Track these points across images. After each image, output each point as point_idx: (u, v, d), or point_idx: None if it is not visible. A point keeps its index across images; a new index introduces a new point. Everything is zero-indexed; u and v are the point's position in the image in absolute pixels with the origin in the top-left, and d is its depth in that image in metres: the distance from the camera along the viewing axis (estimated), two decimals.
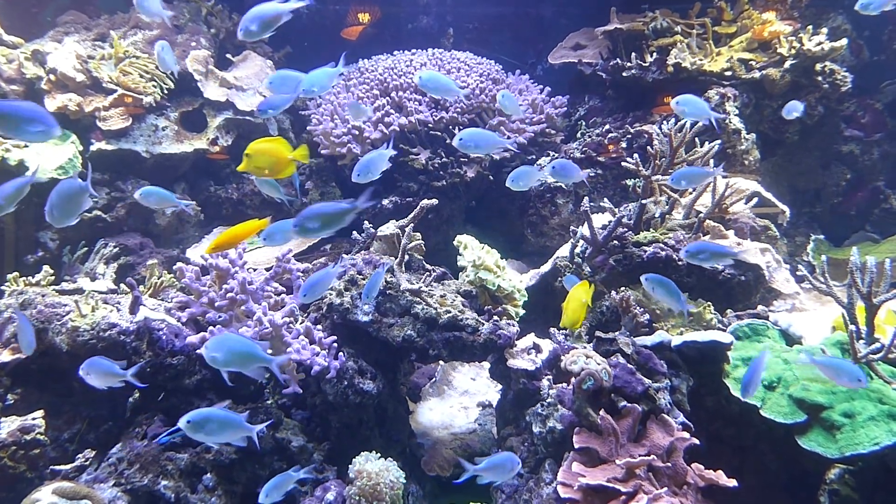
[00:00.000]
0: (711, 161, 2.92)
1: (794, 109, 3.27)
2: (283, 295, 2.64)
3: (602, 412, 2.10)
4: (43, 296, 2.44)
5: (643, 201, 2.91)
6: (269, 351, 2.42)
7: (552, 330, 2.56)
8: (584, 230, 2.86)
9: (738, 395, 2.22)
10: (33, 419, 2.28)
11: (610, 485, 1.93)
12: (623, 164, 3.03)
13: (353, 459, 2.33)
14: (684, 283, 2.71)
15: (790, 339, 2.47)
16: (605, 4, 4.25)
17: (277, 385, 2.63)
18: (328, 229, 1.99)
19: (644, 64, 3.83)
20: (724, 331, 2.47)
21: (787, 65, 3.64)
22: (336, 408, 2.52)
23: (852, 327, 2.18)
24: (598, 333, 2.51)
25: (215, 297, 2.48)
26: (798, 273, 2.55)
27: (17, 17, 3.97)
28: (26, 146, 3.34)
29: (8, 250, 3.40)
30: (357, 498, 2.24)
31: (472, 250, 2.86)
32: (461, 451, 2.75)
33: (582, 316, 2.28)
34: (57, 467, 2.28)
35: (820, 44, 3.61)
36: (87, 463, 2.30)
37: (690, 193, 2.98)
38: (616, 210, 2.99)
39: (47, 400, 2.37)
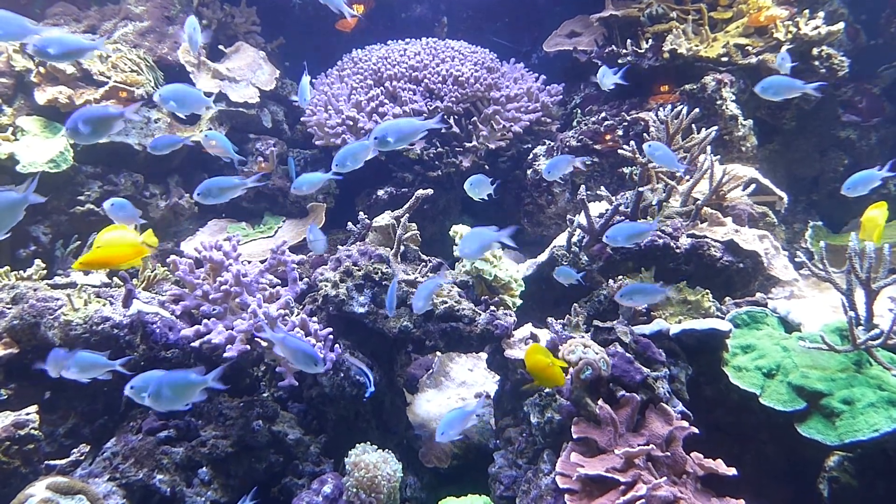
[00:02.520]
0: (709, 148, 2.89)
1: (786, 60, 3.07)
2: (277, 287, 2.61)
3: (600, 402, 2.09)
4: (35, 290, 2.42)
5: (640, 189, 2.89)
6: (265, 344, 2.42)
7: (549, 319, 2.54)
8: (581, 219, 2.83)
9: (737, 382, 2.21)
10: (27, 414, 2.26)
11: (609, 475, 1.92)
12: (619, 151, 3.01)
13: (350, 451, 2.31)
14: (682, 271, 2.69)
15: (789, 327, 2.46)
16: None
17: (273, 377, 2.62)
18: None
19: (640, 51, 3.80)
20: (723, 319, 2.45)
21: (783, 49, 3.61)
22: (332, 400, 2.50)
23: (851, 313, 2.17)
24: (595, 322, 2.49)
25: (209, 290, 2.45)
26: (797, 260, 2.53)
27: (5, 9, 3.91)
28: (16, 139, 3.31)
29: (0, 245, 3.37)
30: (354, 490, 2.22)
31: None
32: (459, 442, 2.73)
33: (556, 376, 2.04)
34: (51, 462, 2.26)
35: (816, 28, 3.58)
36: (82, 458, 2.28)
37: (687, 180, 2.96)
38: (613, 198, 2.97)
39: (41, 395, 2.35)
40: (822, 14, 3.69)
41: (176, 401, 1.85)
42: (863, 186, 2.56)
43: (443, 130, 3.77)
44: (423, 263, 2.87)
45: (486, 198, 2.72)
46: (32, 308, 2.34)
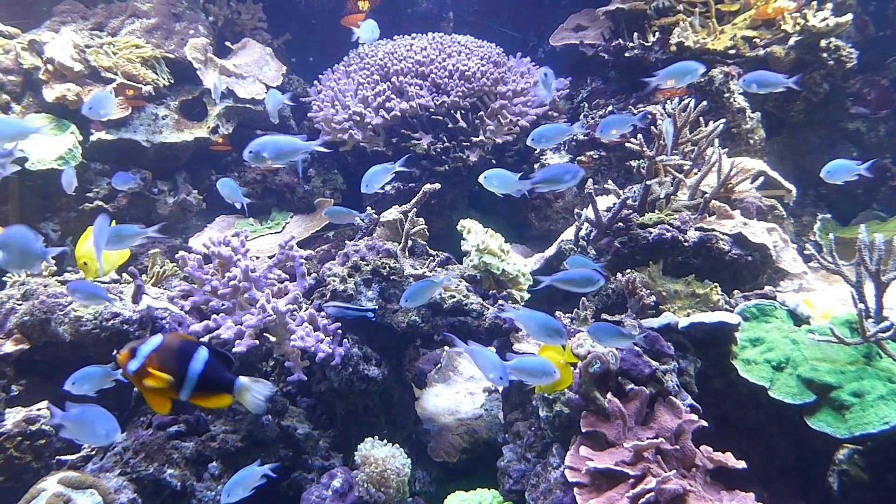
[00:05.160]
0: (717, 141, 2.88)
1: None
2: (286, 282, 2.62)
3: (609, 395, 2.09)
4: (45, 286, 2.44)
5: (648, 182, 2.88)
6: (274, 339, 2.43)
7: (558, 313, 2.54)
8: (589, 213, 2.83)
9: (746, 375, 2.21)
10: (38, 410, 2.28)
11: (618, 468, 1.92)
12: (627, 145, 3.00)
13: (359, 446, 2.32)
14: (691, 265, 2.68)
15: (798, 319, 2.45)
16: None
17: (282, 372, 2.63)
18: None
19: (647, 44, 3.78)
20: (732, 311, 2.44)
21: (791, 41, 3.59)
22: (341, 395, 2.51)
23: (861, 306, 2.16)
24: (604, 316, 2.49)
25: (218, 286, 2.46)
26: (805, 252, 2.53)
27: (12, 7, 3.94)
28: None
29: None
30: (364, 485, 2.23)
31: (475, 234, 2.83)
32: (467, 436, 2.74)
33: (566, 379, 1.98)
34: (63, 457, 2.28)
35: (825, 20, 3.56)
36: (93, 452, 2.30)
37: (695, 174, 2.95)
38: (620, 192, 2.96)
39: (52, 390, 2.37)
40: (830, 5, 3.66)
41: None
42: (840, 175, 2.57)
43: (449, 125, 3.77)
44: (431, 258, 2.87)
45: (515, 193, 2.45)
46: (43, 304, 2.35)
